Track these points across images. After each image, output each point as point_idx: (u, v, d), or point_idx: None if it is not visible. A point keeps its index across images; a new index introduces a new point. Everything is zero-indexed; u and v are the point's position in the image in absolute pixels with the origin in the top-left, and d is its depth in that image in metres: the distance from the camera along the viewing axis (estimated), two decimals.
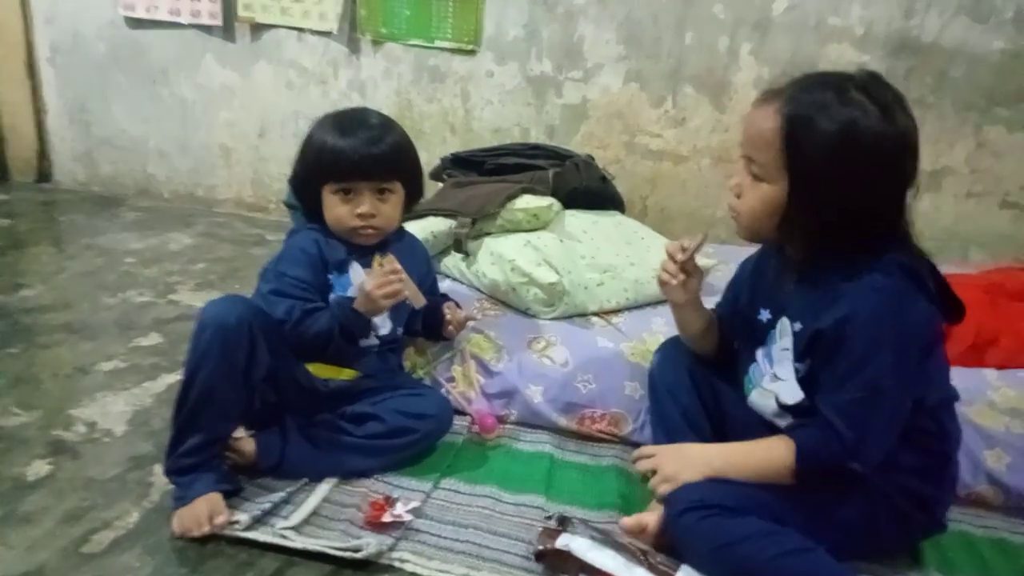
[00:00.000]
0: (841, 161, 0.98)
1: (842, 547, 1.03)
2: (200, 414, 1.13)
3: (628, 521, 1.14)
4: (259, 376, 1.17)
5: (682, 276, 1.22)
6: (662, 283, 1.26)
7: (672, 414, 1.30)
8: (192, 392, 1.13)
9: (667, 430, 1.30)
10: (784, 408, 1.11)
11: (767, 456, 1.07)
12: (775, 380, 1.12)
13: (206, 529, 1.09)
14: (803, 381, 1.08)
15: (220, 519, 1.10)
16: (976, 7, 2.27)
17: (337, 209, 1.30)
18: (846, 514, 1.06)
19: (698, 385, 1.30)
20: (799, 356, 1.08)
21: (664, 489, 1.09)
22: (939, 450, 1.11)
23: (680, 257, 1.22)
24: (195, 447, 1.13)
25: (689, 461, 1.12)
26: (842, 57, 2.39)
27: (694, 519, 1.02)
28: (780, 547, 0.98)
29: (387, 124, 1.33)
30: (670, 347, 1.39)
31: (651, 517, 1.12)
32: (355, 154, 1.26)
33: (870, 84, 1.00)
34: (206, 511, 1.10)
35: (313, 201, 1.33)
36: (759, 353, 1.17)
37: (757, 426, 1.16)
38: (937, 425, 1.10)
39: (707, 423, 1.27)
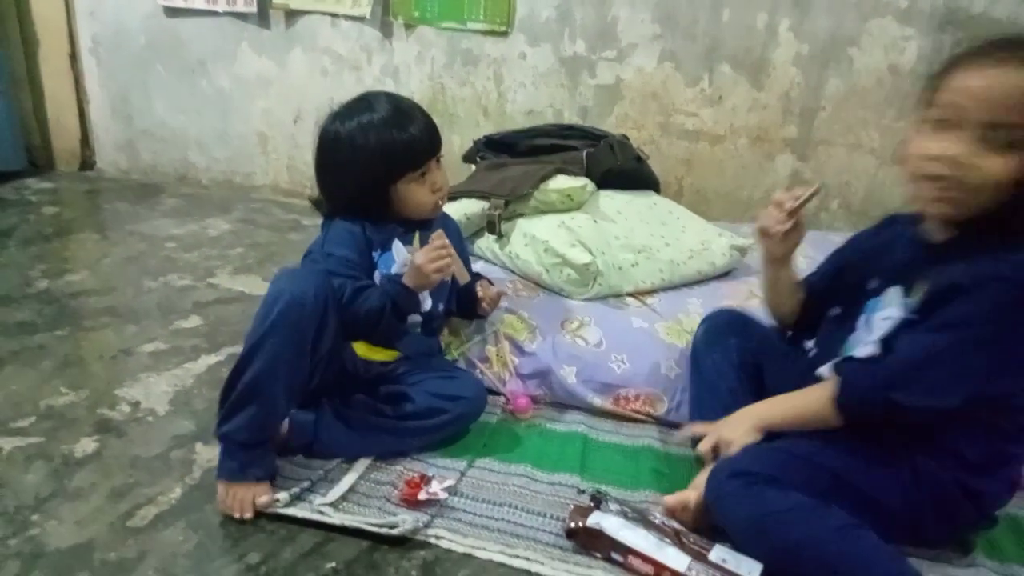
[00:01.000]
0: None
1: (886, 534, 1.00)
2: (263, 384, 1.10)
3: (671, 499, 1.13)
4: (323, 352, 1.18)
5: (788, 224, 1.16)
6: (763, 233, 1.20)
7: (714, 383, 1.28)
8: (257, 360, 1.09)
9: (704, 400, 1.30)
10: None
11: (809, 395, 1.07)
12: (872, 346, 1.09)
13: (248, 515, 1.11)
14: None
15: (263, 499, 1.12)
16: None
17: (420, 195, 1.32)
18: (892, 500, 1.03)
19: (743, 357, 1.28)
20: (924, 312, 1.02)
21: (724, 454, 1.10)
22: (1011, 452, 1.07)
23: (789, 205, 1.15)
24: (253, 421, 1.11)
25: (737, 423, 1.12)
26: (885, 32, 2.32)
27: (739, 485, 1.01)
28: (824, 523, 0.96)
29: (399, 97, 1.33)
30: (716, 319, 1.36)
31: (692, 494, 1.11)
32: (420, 137, 1.28)
33: None
34: (251, 496, 1.11)
35: (377, 202, 1.31)
36: (860, 320, 1.13)
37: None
38: (1016, 428, 1.05)
39: (749, 397, 1.24)
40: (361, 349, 1.31)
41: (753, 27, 2.43)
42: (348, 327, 1.25)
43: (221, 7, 2.88)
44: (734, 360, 1.29)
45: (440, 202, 1.35)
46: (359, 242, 1.31)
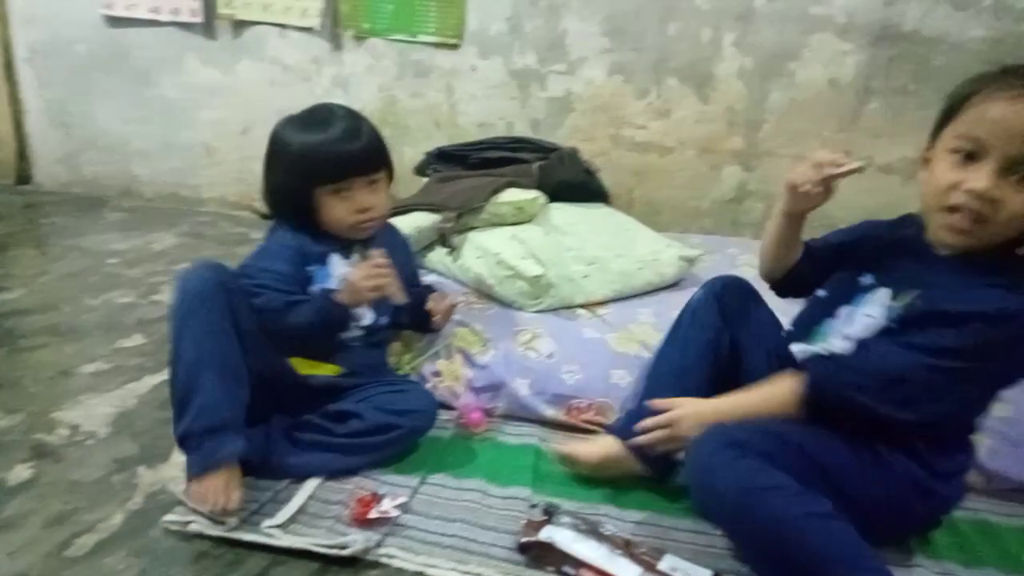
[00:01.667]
0: None
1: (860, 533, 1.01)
2: (195, 371, 1.11)
3: (582, 449, 1.27)
4: (248, 331, 1.17)
5: (818, 187, 1.10)
6: (791, 186, 1.12)
7: (688, 352, 1.29)
8: (183, 353, 1.12)
9: (665, 362, 1.32)
10: None
11: (773, 392, 1.09)
12: (844, 340, 1.12)
13: (232, 505, 1.09)
14: None
15: (236, 496, 1.10)
16: None
17: (335, 210, 1.30)
18: (868, 501, 1.03)
19: (719, 342, 1.28)
20: (904, 325, 1.04)
21: (672, 447, 1.16)
22: (963, 459, 1.12)
23: (829, 171, 1.08)
24: (203, 408, 1.10)
25: (693, 422, 1.11)
26: (825, 46, 2.40)
27: (733, 456, 0.98)
28: (808, 508, 0.94)
29: (357, 115, 1.33)
30: (714, 294, 1.33)
31: (595, 449, 1.25)
32: (344, 152, 1.26)
33: None
34: (223, 486, 1.09)
35: (302, 209, 1.31)
36: (843, 310, 1.15)
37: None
38: (967, 433, 1.11)
39: (711, 382, 1.26)
40: (300, 365, 1.29)
41: (698, 41, 2.48)
42: (281, 342, 1.24)
43: (165, 16, 2.82)
44: (707, 342, 1.28)
45: (363, 225, 1.32)
46: (294, 256, 1.30)
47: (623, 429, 1.26)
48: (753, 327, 1.30)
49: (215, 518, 1.11)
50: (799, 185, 1.10)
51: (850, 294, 1.16)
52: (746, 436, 1.01)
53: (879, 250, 1.16)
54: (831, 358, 1.11)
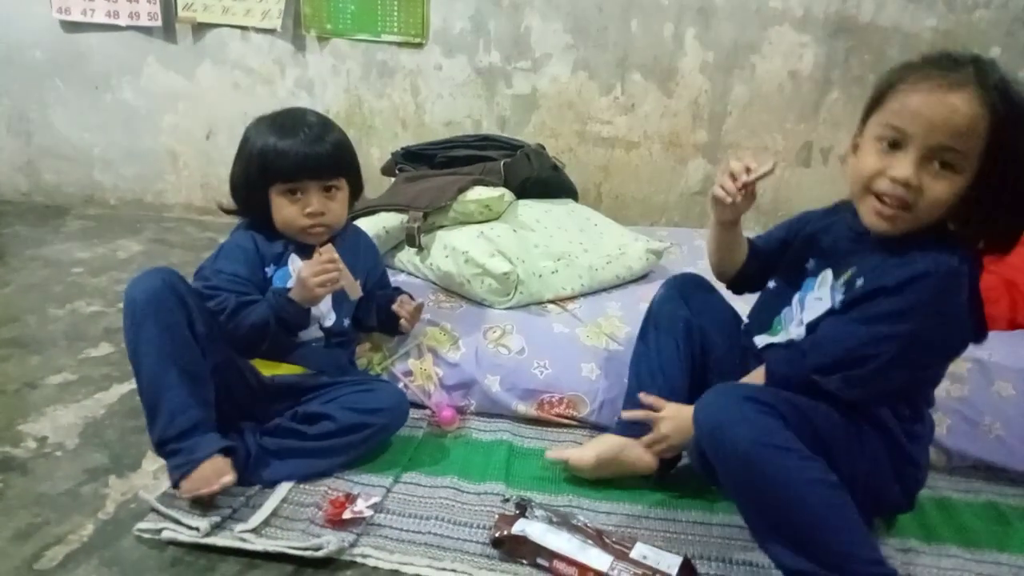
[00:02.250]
0: None
1: None
2: (158, 378, 1.13)
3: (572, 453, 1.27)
4: (203, 331, 1.17)
5: (739, 197, 1.15)
6: (716, 200, 1.18)
7: (664, 345, 1.32)
8: (143, 361, 1.13)
9: (644, 363, 1.34)
10: None
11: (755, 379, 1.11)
12: (800, 326, 1.15)
13: (215, 487, 1.10)
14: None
15: (227, 478, 1.11)
16: None
17: (286, 210, 1.31)
18: (859, 479, 1.05)
19: (690, 329, 1.32)
20: (847, 306, 1.07)
21: (658, 449, 1.23)
22: (926, 433, 1.15)
23: (743, 179, 1.14)
24: (172, 413, 1.13)
25: (683, 428, 1.16)
26: (784, 39, 2.44)
27: (753, 409, 0.98)
28: (818, 475, 0.95)
29: (326, 122, 1.35)
30: (675, 287, 1.38)
31: (589, 452, 1.25)
32: (301, 154, 1.27)
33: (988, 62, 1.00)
34: (212, 473, 1.10)
35: (258, 205, 1.33)
36: (795, 298, 1.19)
37: (740, 375, 1.19)
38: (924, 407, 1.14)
39: (688, 366, 1.31)
40: (263, 366, 1.30)
41: (661, 36, 2.51)
42: (240, 343, 1.24)
43: (123, 20, 2.77)
44: (680, 332, 1.31)
45: (313, 230, 1.33)
46: (250, 257, 1.30)
47: (624, 428, 1.30)
48: (715, 313, 1.35)
49: (204, 512, 1.12)
50: (722, 198, 1.16)
51: (799, 281, 1.20)
52: (767, 397, 1.01)
53: (818, 237, 1.21)
54: (788, 345, 1.15)
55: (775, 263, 1.28)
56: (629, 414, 1.27)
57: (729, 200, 1.15)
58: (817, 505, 0.94)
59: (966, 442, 1.37)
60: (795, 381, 1.07)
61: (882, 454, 1.08)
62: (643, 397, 1.25)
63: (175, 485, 1.14)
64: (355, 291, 1.32)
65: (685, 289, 1.37)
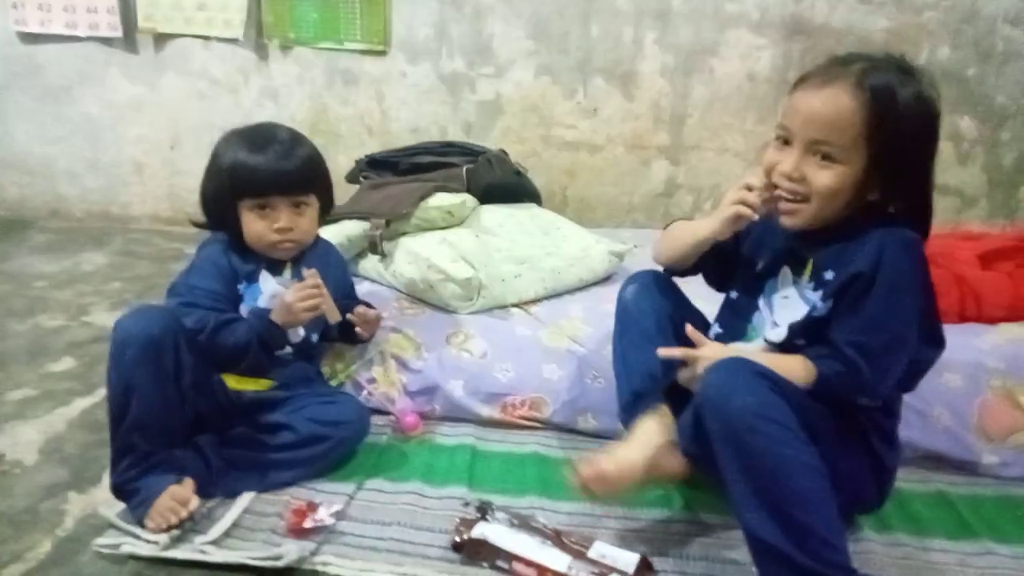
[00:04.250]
0: (922, 129, 1.05)
1: None
2: (142, 428, 1.14)
3: (587, 471, 1.11)
4: (187, 382, 1.18)
5: (764, 209, 1.12)
6: (736, 217, 1.13)
7: (648, 327, 1.28)
8: (133, 405, 1.13)
9: (636, 342, 1.28)
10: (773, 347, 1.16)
11: (790, 365, 1.07)
12: (776, 327, 1.15)
13: (183, 514, 1.11)
14: (818, 321, 1.10)
15: (193, 504, 1.12)
16: None
17: (255, 225, 1.31)
18: (844, 477, 1.06)
19: (672, 320, 1.28)
20: (826, 297, 1.09)
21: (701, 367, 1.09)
22: (896, 440, 1.18)
23: (773, 193, 1.11)
24: (139, 459, 1.15)
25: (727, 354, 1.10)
26: (741, 41, 2.49)
27: (763, 386, 0.98)
28: (809, 458, 0.96)
29: (297, 138, 1.35)
30: (646, 282, 1.34)
31: (609, 464, 1.11)
32: (270, 169, 1.28)
33: (899, 60, 1.07)
34: (171, 499, 1.11)
35: (227, 219, 1.33)
36: (761, 302, 1.20)
37: None
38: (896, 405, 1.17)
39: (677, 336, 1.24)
40: (231, 381, 1.30)
41: (621, 40, 2.54)
42: (214, 360, 1.24)
43: (83, 31, 2.75)
44: (663, 320, 1.28)
45: (282, 245, 1.33)
46: (224, 273, 1.30)
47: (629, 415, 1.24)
48: (688, 310, 1.34)
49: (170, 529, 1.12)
50: (748, 215, 1.12)
51: (760, 285, 1.22)
52: (779, 379, 1.01)
53: (760, 237, 1.24)
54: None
55: (732, 269, 1.28)
56: (666, 351, 1.17)
57: (756, 216, 1.12)
58: (807, 488, 0.95)
59: (916, 433, 1.40)
60: (838, 395, 1.07)
61: (865, 460, 1.12)
62: (662, 352, 1.17)
63: (140, 525, 1.13)
64: (334, 315, 1.33)
65: (657, 282, 1.35)
